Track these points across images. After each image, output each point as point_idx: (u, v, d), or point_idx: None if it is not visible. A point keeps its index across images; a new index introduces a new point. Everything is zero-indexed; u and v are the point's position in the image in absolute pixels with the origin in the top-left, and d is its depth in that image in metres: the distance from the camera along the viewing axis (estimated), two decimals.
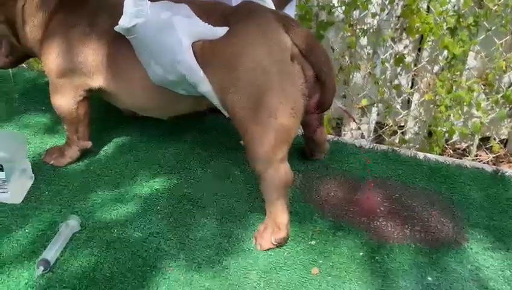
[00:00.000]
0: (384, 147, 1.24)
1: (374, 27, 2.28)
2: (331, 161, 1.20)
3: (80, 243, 0.94)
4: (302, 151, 1.21)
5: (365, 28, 2.26)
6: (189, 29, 0.96)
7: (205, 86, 0.97)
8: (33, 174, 1.11)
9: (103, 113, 1.33)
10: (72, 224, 0.96)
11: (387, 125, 2.39)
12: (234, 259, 0.93)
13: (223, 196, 1.08)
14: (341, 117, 2.45)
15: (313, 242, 0.97)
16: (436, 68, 2.31)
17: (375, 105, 2.39)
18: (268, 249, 0.95)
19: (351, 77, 2.35)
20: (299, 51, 0.95)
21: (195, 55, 0.96)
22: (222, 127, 1.29)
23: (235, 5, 1.06)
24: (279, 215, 0.96)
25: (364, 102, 2.33)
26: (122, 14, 0.95)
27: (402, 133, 2.41)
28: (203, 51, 0.96)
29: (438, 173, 1.17)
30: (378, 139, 2.45)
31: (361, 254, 0.95)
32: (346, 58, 2.35)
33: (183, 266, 0.90)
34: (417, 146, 2.40)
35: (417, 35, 2.24)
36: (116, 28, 0.97)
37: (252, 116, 0.93)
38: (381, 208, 1.06)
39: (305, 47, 0.95)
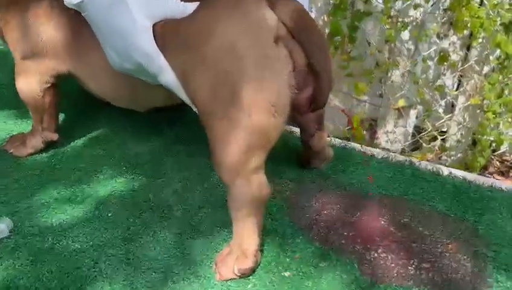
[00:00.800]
0: (400, 158, 1.03)
1: (418, 20, 2.04)
2: (333, 170, 1.00)
3: (5, 251, 0.78)
4: (299, 156, 1.01)
5: (407, 21, 2.02)
6: (147, 6, 0.77)
7: (166, 76, 0.79)
8: None
9: (78, 101, 1.17)
10: (0, 228, 0.80)
11: (426, 130, 2.14)
12: (183, 288, 0.75)
13: (193, 205, 0.90)
14: (375, 118, 2.22)
15: (288, 273, 0.78)
16: (485, 69, 2.05)
17: (414, 107, 2.15)
18: (229, 280, 0.76)
19: (388, 74, 2.12)
20: (288, 31, 0.75)
21: (155, 37, 0.78)
22: None
23: None
24: (245, 239, 0.77)
25: (401, 103, 2.09)
26: None
27: (443, 140, 2.16)
28: (165, 31, 0.78)
29: (464, 194, 0.95)
30: (416, 145, 2.21)
31: None
32: (385, 53, 2.12)
33: None
34: (459, 155, 2.15)
35: (466, 31, 1.99)
36: (65, 2, 0.81)
37: (217, 109, 0.74)
38: (383, 235, 0.85)
39: (295, 26, 0.74)
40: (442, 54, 2.01)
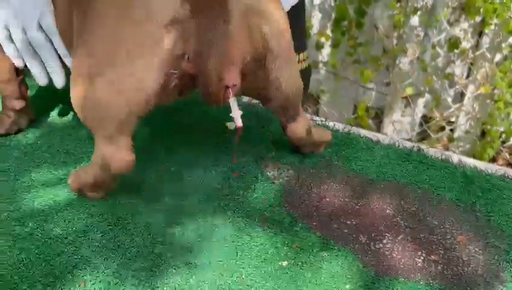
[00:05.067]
0: (408, 144, 0.97)
1: (428, 5, 1.97)
2: (336, 156, 0.94)
3: None
4: None
5: (416, 6, 1.95)
6: None
7: (51, 19, 0.78)
8: None
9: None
10: None
11: (434, 119, 2.08)
12: (173, 277, 0.69)
13: (183, 191, 0.84)
14: (381, 107, 2.16)
15: (285, 263, 0.72)
16: (497, 57, 1.97)
17: (422, 96, 2.08)
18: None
19: (396, 61, 2.06)
20: (190, 12, 0.63)
21: None
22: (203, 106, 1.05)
23: None
24: (85, 176, 0.78)
25: (409, 91, 2.03)
26: None
27: (451, 130, 2.10)
28: None
29: (475, 183, 0.89)
30: (424, 135, 2.15)
31: (347, 287, 0.69)
32: (393, 39, 2.05)
33: (100, 280, 0.68)
34: (467, 146, 2.08)
35: (477, 18, 1.92)
36: None
37: (75, 67, 0.71)
38: (389, 225, 0.79)
39: (198, 7, 0.63)
40: (452, 40, 1.94)
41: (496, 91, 1.91)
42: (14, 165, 0.88)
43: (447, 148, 2.12)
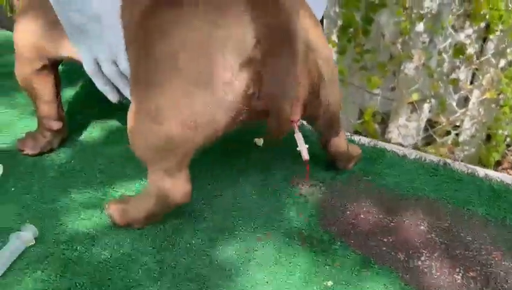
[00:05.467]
0: (434, 157, 0.99)
1: (432, 11, 1.99)
2: (365, 171, 0.96)
3: (31, 261, 0.74)
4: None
5: (422, 13, 1.98)
6: None
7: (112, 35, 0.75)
8: (1, 165, 0.92)
9: (91, 95, 1.12)
10: (25, 237, 0.76)
11: (440, 124, 2.11)
12: None
13: (223, 210, 0.86)
14: (388, 112, 2.18)
15: (330, 283, 0.74)
16: (502, 63, 2.01)
17: (427, 101, 2.11)
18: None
19: (401, 67, 2.08)
20: (262, 54, 0.66)
21: None
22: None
23: None
24: (134, 210, 0.79)
25: (415, 96, 2.06)
26: None
27: (456, 134, 2.13)
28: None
29: (503, 197, 0.91)
30: (429, 140, 2.18)
31: None
32: (398, 46, 2.08)
33: None
34: (472, 150, 2.12)
35: (482, 24, 1.95)
36: None
37: (136, 108, 0.72)
38: (425, 242, 0.81)
39: (272, 50, 0.66)
40: (457, 46, 1.97)
41: (501, 96, 1.94)
42: (53, 185, 0.89)
43: (452, 153, 2.16)
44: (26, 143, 0.96)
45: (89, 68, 0.80)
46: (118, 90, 0.83)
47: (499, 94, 1.97)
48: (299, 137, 0.76)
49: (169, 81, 0.67)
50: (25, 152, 0.97)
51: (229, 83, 0.66)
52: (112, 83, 0.82)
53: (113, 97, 0.83)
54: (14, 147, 0.99)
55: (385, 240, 0.81)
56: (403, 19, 2.00)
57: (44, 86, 0.91)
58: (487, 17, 1.84)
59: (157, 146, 0.71)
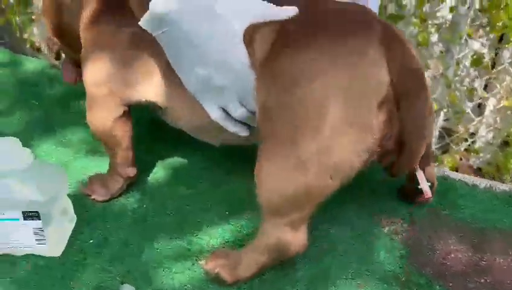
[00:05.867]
0: (505, 186, 0.99)
1: (447, 22, 2.01)
2: (442, 205, 0.96)
3: None
4: (399, 190, 0.97)
5: (437, 23, 1.99)
6: (240, 10, 0.72)
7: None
8: (75, 215, 0.88)
9: (150, 132, 1.10)
10: None
11: (456, 132, 2.13)
12: None
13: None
14: None
15: None
16: None
17: (443, 109, 2.13)
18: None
19: None
20: (395, 95, 0.68)
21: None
22: None
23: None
24: (245, 265, 0.75)
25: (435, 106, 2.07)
26: None
27: (472, 142, 2.15)
28: (253, 39, 0.72)
29: None
30: (446, 148, 2.20)
31: None
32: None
33: None
34: (488, 156, 2.15)
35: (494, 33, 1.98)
36: (143, 20, 0.73)
37: (275, 156, 0.69)
38: None
39: (405, 89, 0.67)
40: (475, 56, 1.99)
41: None
42: (132, 234, 0.87)
43: (467, 159, 2.18)
44: (96, 189, 0.93)
45: (215, 115, 0.79)
46: (248, 125, 0.81)
47: None
48: (421, 175, 0.76)
49: (315, 127, 0.66)
50: (93, 197, 0.93)
51: (370, 125, 0.66)
52: (242, 122, 0.80)
53: (245, 132, 0.81)
54: (77, 191, 0.95)
55: (482, 281, 0.82)
56: (420, 30, 2.00)
57: (124, 133, 0.89)
58: (507, 26, 1.86)
59: (295, 195, 0.69)
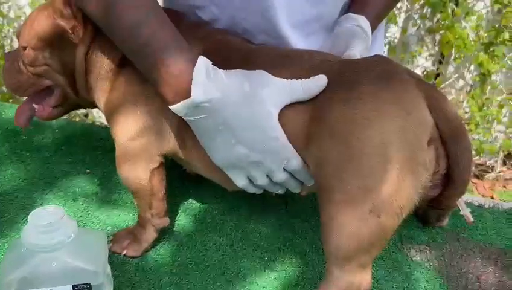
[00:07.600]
0: (508, 205, 1.07)
1: (396, 40, 2.13)
2: (457, 227, 1.01)
3: None
4: (419, 214, 1.01)
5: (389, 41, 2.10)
6: (275, 97, 0.75)
7: (297, 161, 0.78)
8: (111, 277, 0.84)
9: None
10: None
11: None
12: None
13: None
14: None
15: None
16: (461, 84, 2.19)
17: None
18: None
19: None
20: (440, 135, 0.74)
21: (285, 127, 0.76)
22: None
23: (355, 58, 0.85)
24: None
25: None
26: None
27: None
28: (298, 116, 0.76)
29: None
30: None
31: None
32: None
33: None
34: None
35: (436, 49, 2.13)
36: (177, 106, 0.75)
37: (348, 196, 0.72)
38: None
39: (449, 133, 0.73)
40: (427, 72, 2.12)
41: (466, 116, 2.11)
42: (169, 288, 0.84)
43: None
44: (127, 246, 0.90)
45: (242, 183, 0.82)
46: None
47: (464, 113, 2.15)
48: (461, 203, 0.81)
49: (382, 173, 0.69)
50: (124, 253, 0.90)
51: (425, 163, 0.71)
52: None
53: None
54: None
55: None
56: None
57: (160, 183, 0.88)
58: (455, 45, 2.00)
59: (370, 239, 0.71)
